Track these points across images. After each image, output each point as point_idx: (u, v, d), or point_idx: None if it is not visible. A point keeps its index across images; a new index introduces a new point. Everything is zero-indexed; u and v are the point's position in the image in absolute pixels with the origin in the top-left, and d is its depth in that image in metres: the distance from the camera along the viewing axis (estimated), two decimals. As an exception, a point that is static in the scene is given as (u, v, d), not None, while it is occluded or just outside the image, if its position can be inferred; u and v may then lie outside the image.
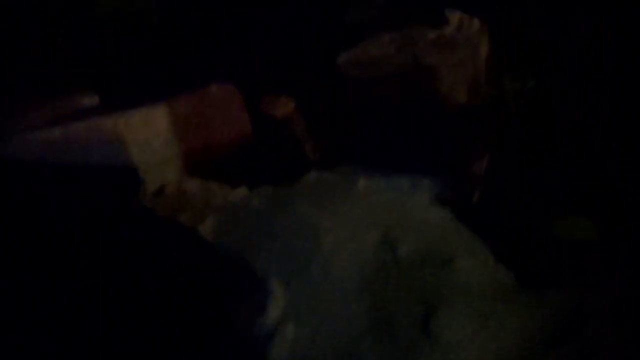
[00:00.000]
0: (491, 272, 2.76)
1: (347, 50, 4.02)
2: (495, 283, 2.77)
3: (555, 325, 2.86)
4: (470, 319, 2.66)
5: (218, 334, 2.65)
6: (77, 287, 2.48)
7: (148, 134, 3.04)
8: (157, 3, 4.02)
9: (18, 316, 2.43)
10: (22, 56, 3.89)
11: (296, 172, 3.35)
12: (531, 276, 3.43)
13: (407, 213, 2.88)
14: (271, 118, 3.59)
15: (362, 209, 2.90)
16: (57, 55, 3.72)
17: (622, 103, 4.25)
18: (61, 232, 2.63)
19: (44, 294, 2.47)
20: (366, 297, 2.70)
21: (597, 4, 4.35)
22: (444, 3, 4.22)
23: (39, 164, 3.00)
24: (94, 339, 2.42)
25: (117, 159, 2.98)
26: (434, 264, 2.71)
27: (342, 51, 4.00)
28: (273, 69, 3.91)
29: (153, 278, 2.70)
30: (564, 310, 2.95)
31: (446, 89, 3.87)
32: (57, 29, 3.80)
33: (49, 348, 2.41)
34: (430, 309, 2.68)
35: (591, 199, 4.16)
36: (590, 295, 3.11)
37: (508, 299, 2.76)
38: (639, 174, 4.09)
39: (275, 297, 2.70)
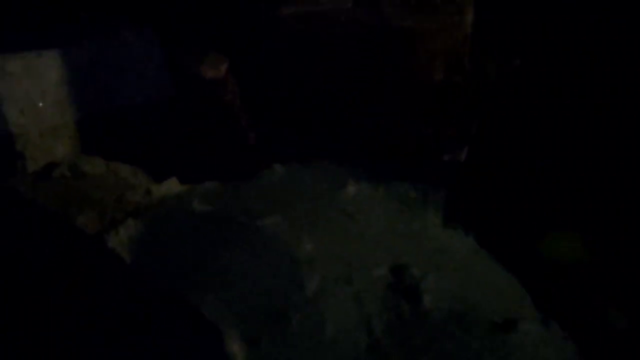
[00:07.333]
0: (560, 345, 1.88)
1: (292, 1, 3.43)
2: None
3: None
4: None
5: None
6: None
7: (30, 88, 2.36)
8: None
9: None
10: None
11: (233, 155, 2.54)
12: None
13: (419, 239, 2.00)
14: (199, 79, 2.93)
15: (357, 229, 1.99)
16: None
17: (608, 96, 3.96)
18: None
19: None
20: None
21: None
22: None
23: None
24: None
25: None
26: (482, 326, 1.83)
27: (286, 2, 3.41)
28: (201, 19, 3.15)
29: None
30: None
31: (421, 60, 3.25)
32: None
33: None
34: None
35: (580, 211, 3.77)
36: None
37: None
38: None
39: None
